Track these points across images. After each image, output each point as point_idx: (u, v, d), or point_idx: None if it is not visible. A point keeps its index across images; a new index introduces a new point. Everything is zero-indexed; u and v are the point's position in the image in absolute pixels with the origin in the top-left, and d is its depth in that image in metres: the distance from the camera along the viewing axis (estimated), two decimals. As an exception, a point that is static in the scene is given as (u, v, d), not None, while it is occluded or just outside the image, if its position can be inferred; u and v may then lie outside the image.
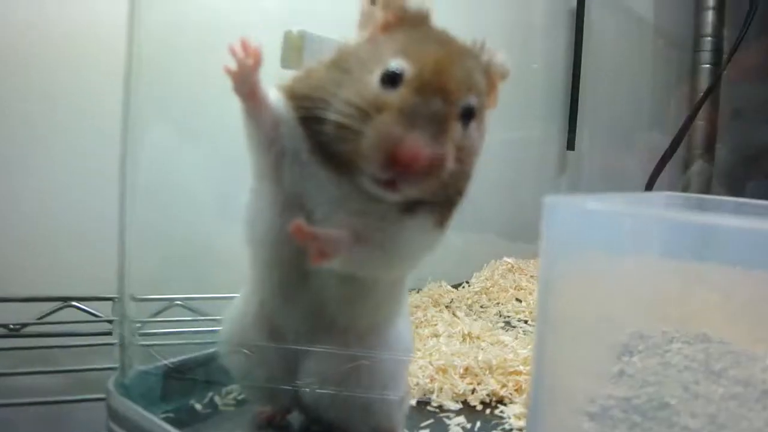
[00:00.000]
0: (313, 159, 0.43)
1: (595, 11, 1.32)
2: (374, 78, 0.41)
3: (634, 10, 1.39)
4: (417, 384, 0.65)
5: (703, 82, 1.43)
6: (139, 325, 0.67)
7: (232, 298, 0.54)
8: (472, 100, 0.42)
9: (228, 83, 0.44)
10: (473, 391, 0.66)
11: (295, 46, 0.56)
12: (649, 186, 1.30)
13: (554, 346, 0.39)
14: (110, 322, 0.83)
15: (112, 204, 0.61)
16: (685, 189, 1.46)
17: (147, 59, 0.58)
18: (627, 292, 0.38)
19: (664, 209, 0.59)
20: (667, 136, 1.34)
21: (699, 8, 1.42)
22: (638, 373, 0.36)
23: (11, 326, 0.81)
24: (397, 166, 0.38)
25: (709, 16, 1.40)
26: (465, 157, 0.42)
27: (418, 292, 0.97)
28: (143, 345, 0.64)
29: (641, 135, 1.48)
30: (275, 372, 0.50)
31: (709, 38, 1.41)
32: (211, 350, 0.56)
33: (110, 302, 0.85)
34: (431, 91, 0.40)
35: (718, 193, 1.44)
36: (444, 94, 0.40)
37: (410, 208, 0.43)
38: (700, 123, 1.43)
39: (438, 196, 0.43)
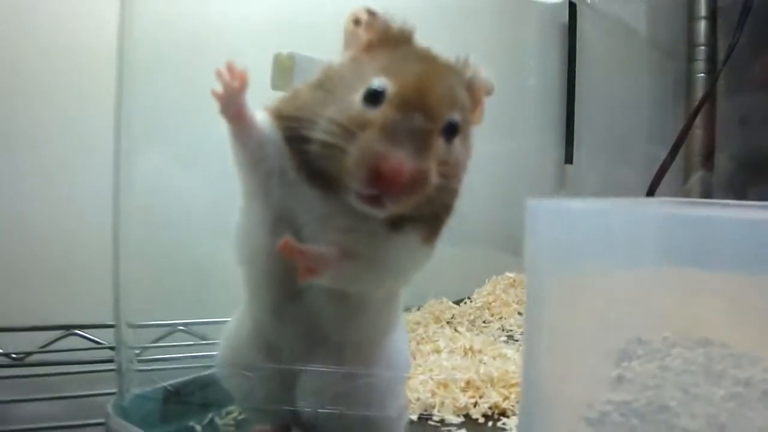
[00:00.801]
0: (300, 177, 0.44)
1: (587, 24, 1.34)
2: (357, 97, 0.42)
3: (626, 22, 1.40)
4: (418, 399, 0.65)
5: (699, 92, 1.43)
6: (138, 351, 0.68)
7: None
8: (455, 116, 0.43)
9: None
10: (475, 404, 0.66)
11: (285, 68, 0.57)
12: (650, 195, 1.30)
13: (548, 354, 0.39)
14: (112, 348, 0.84)
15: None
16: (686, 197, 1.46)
17: (136, 82, 0.59)
18: (624, 298, 0.38)
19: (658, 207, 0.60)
20: (665, 147, 1.34)
21: (691, 18, 1.43)
22: (637, 377, 0.36)
23: (14, 355, 0.81)
24: (380, 183, 0.39)
25: (702, 26, 1.41)
26: (450, 172, 0.43)
27: (419, 309, 0.97)
28: (141, 370, 0.64)
29: (639, 146, 1.48)
30: (272, 390, 0.50)
31: (703, 47, 1.42)
32: (210, 372, 0.56)
33: (113, 329, 0.87)
34: (412, 108, 0.41)
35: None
36: (425, 111, 0.41)
37: (397, 224, 0.44)
38: (697, 132, 1.44)
39: (424, 212, 0.43)
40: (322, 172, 0.42)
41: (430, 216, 0.44)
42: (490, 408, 0.65)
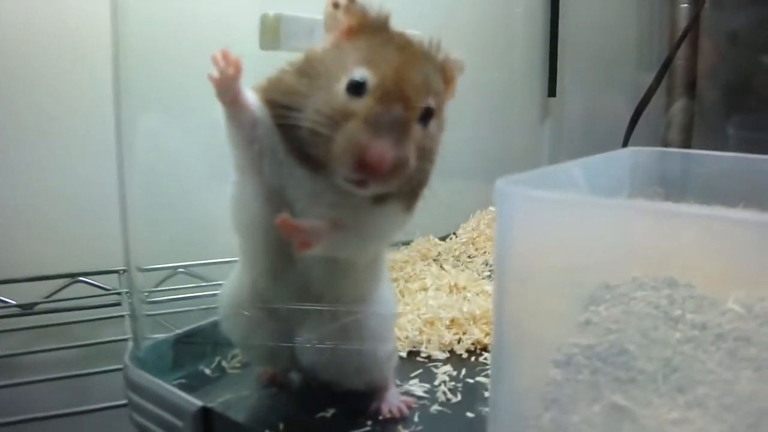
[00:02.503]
0: (289, 158, 0.48)
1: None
2: (341, 86, 0.45)
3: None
4: (407, 337, 0.70)
5: (681, 21, 1.42)
6: (146, 294, 0.72)
7: (230, 262, 0.59)
8: (430, 101, 0.47)
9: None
10: (459, 340, 0.71)
11: (271, 28, 0.60)
12: (630, 129, 1.32)
13: (519, 298, 0.41)
14: (118, 293, 0.88)
15: (110, 179, 0.64)
16: (667, 128, 1.48)
17: (131, 45, 0.61)
18: (594, 242, 0.39)
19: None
20: (650, 75, 1.35)
21: (675, -61, 1.41)
22: (603, 321, 0.38)
23: (22, 305, 0.85)
24: (365, 169, 0.43)
25: (685, -46, 1.39)
26: (426, 153, 0.47)
27: (407, 247, 1.01)
28: (151, 314, 0.68)
29: (624, 75, 1.49)
30: (272, 336, 0.55)
31: (686, -24, 1.40)
32: (215, 318, 0.61)
33: (116, 275, 0.91)
34: (392, 99, 0.44)
35: (701, 129, 1.47)
36: (404, 101, 0.45)
37: (380, 198, 0.48)
38: (680, 63, 1.44)
39: (404, 188, 0.47)
40: (311, 154, 0.46)
41: (409, 190, 0.49)
42: (472, 344, 0.70)
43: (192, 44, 0.64)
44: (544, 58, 1.38)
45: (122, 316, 0.81)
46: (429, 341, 0.70)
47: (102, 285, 0.91)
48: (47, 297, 0.88)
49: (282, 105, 0.47)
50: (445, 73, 0.50)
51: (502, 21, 1.24)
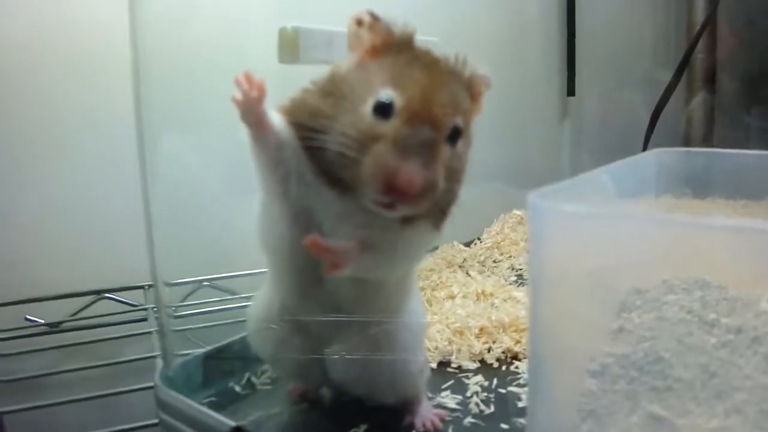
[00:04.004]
0: (317, 179, 0.47)
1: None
2: (367, 108, 0.45)
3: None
4: (437, 347, 0.69)
5: (698, 15, 1.41)
6: (173, 309, 0.72)
7: (255, 275, 0.59)
8: (458, 121, 0.46)
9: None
10: (489, 349, 0.70)
11: (290, 42, 0.59)
12: (651, 126, 1.31)
13: (551, 307, 0.40)
14: (145, 309, 0.88)
15: (133, 195, 0.64)
16: (688, 123, 1.47)
17: (152, 62, 0.61)
18: (623, 247, 0.39)
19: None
20: (668, 71, 1.34)
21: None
22: (636, 329, 0.38)
23: (48, 324, 0.85)
24: (394, 193, 0.42)
25: (701, -52, 1.37)
26: (454, 173, 0.47)
27: (432, 255, 1.00)
28: (179, 330, 0.68)
29: (642, 71, 1.47)
30: (302, 350, 0.55)
31: (702, -30, 1.39)
32: (244, 333, 0.61)
33: (141, 290, 0.91)
34: (420, 121, 0.44)
35: (721, 123, 1.45)
36: (432, 122, 0.44)
37: (409, 219, 0.47)
38: (699, 56, 1.43)
39: (433, 209, 0.47)
40: (338, 176, 0.46)
41: (437, 210, 0.48)
42: (503, 352, 0.69)
43: (213, 61, 0.64)
44: (562, 58, 1.38)
45: (149, 332, 0.81)
46: (459, 351, 0.69)
47: (128, 301, 0.91)
48: (73, 315, 0.89)
49: (307, 127, 0.46)
50: (472, 90, 0.49)
51: (518, 21, 1.25)
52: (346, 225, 0.48)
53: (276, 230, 0.51)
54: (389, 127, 0.44)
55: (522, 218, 1.17)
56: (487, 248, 1.06)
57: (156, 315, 0.69)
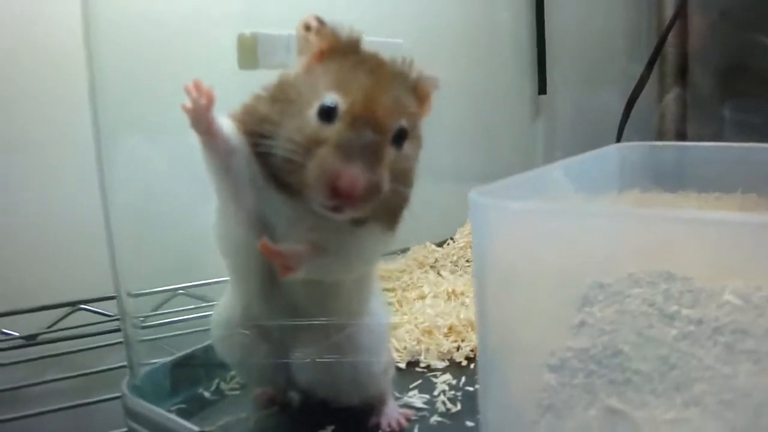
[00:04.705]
0: (267, 185, 0.48)
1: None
2: (312, 112, 0.46)
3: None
4: (405, 347, 0.70)
5: (669, 9, 1.42)
6: (141, 319, 0.72)
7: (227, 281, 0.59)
8: (403, 122, 0.47)
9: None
10: (458, 348, 0.71)
11: (248, 48, 0.59)
12: (623, 121, 1.32)
13: (502, 305, 0.41)
14: (119, 319, 0.88)
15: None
16: (661, 118, 1.47)
17: (106, 65, 0.61)
18: (585, 240, 0.39)
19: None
20: (640, 65, 1.35)
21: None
22: (597, 323, 0.38)
23: (23, 337, 0.85)
24: (338, 196, 0.43)
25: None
26: (401, 175, 0.47)
27: (403, 256, 1.01)
28: (150, 339, 0.69)
29: (614, 67, 1.48)
30: (267, 355, 0.56)
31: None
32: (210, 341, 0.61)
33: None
34: (363, 124, 0.45)
35: (695, 117, 1.46)
36: (375, 125, 0.45)
37: (360, 220, 0.48)
38: (670, 50, 1.43)
39: (382, 210, 0.48)
40: (285, 180, 0.47)
41: (388, 211, 0.49)
42: (471, 350, 0.70)
43: (173, 61, 0.64)
44: (532, 55, 1.37)
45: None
46: (428, 350, 0.70)
47: (104, 311, 0.91)
48: (49, 327, 0.88)
49: (256, 133, 0.47)
50: (419, 92, 0.50)
51: (488, 21, 1.24)
52: (298, 229, 0.49)
53: (231, 236, 0.52)
54: (332, 131, 0.45)
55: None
56: (460, 248, 1.06)
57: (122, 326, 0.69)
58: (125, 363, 0.73)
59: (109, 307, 0.90)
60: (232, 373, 0.66)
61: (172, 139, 0.63)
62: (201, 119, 0.48)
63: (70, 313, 0.89)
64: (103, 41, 0.61)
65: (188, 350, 0.66)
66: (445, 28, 1.11)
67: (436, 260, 1.01)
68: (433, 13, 1.07)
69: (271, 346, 0.55)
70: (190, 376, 0.65)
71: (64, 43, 0.86)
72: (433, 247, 1.06)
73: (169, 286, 0.84)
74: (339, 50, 0.49)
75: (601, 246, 0.39)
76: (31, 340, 0.86)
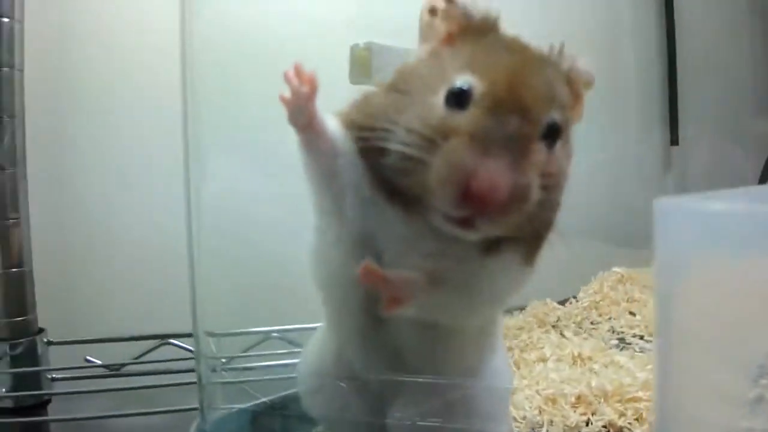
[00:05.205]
0: (377, 195, 0.39)
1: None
2: (439, 99, 0.37)
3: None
4: (524, 417, 0.60)
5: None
6: (224, 360, 0.66)
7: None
8: (556, 116, 0.37)
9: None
10: (587, 422, 0.60)
11: (362, 60, 0.54)
12: (764, 176, 1.21)
13: (677, 369, 0.34)
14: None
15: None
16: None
17: (203, 84, 0.56)
18: (764, 301, 0.31)
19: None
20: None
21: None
22: None
23: (111, 366, 0.83)
24: (472, 203, 0.34)
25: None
26: (552, 183, 0.37)
27: (521, 312, 0.92)
28: (216, 382, 0.63)
29: (751, 123, 1.38)
30: (362, 412, 0.47)
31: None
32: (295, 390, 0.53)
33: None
34: (507, 109, 0.35)
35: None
36: (522, 111, 0.35)
37: (493, 246, 0.38)
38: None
39: (523, 231, 0.37)
40: (402, 188, 0.38)
41: (530, 235, 0.39)
42: (604, 426, 0.59)
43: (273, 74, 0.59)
44: (664, 104, 1.30)
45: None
46: (551, 423, 0.60)
47: (191, 348, 0.86)
48: (136, 358, 0.85)
49: (366, 127, 0.39)
50: (572, 86, 0.41)
51: (615, 66, 1.18)
52: (412, 253, 0.39)
53: (328, 260, 0.43)
54: (465, 118, 0.35)
55: (622, 276, 1.07)
56: (584, 308, 0.96)
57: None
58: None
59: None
60: (319, 429, 0.57)
61: (265, 170, 0.58)
62: (301, 111, 0.40)
63: (157, 347, 0.86)
64: (200, 41, 0.56)
65: (269, 398, 0.58)
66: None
67: (558, 319, 0.91)
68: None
69: (366, 400, 0.46)
70: (270, 426, 0.57)
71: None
72: (555, 304, 0.96)
73: (256, 327, 0.78)
74: (472, 31, 0.40)
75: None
76: (114, 369, 0.82)
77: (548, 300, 0.96)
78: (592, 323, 0.92)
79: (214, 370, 0.61)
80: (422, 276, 0.38)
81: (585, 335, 0.85)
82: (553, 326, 0.88)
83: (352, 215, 0.41)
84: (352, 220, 0.41)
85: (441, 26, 0.41)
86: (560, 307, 0.95)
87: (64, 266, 0.87)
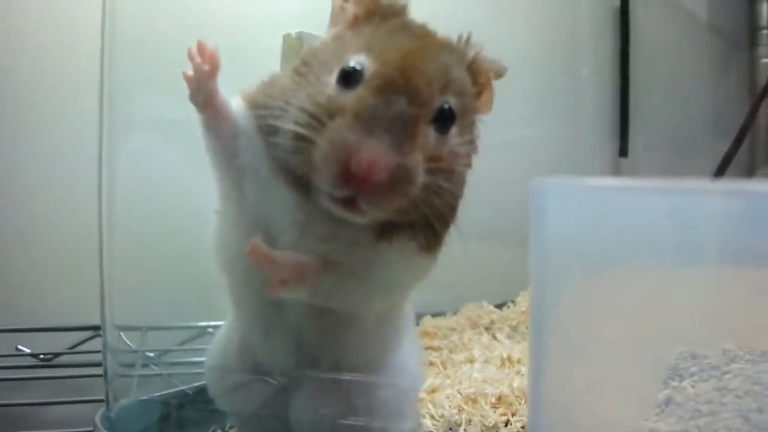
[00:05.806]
0: (275, 176, 0.39)
1: (641, 9, 1.27)
2: (332, 79, 0.37)
3: (682, 5, 1.33)
4: (442, 416, 0.60)
5: (762, 78, 1.34)
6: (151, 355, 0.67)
7: None
8: (452, 101, 0.38)
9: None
10: (507, 423, 0.60)
11: (294, 49, 0.54)
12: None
13: (570, 369, 0.34)
14: (136, 352, 0.83)
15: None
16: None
17: (121, 63, 0.56)
18: (674, 302, 0.33)
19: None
20: (728, 139, 1.27)
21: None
22: (689, 401, 0.32)
23: (42, 356, 0.82)
24: (352, 181, 0.34)
25: (765, 8, 1.32)
26: (444, 168, 0.37)
27: (455, 314, 0.92)
28: (125, 375, 0.62)
29: (700, 138, 1.41)
30: (264, 403, 0.47)
31: (766, 31, 1.33)
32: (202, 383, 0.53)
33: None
34: (394, 90, 0.35)
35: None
36: (411, 93, 0.36)
37: (386, 231, 0.38)
38: (762, 124, 1.35)
39: (415, 217, 0.38)
40: (295, 169, 0.38)
41: (424, 221, 0.39)
42: (523, 427, 0.60)
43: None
44: (615, 116, 1.32)
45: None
46: (470, 422, 0.60)
47: (126, 341, 0.85)
48: (70, 348, 0.85)
49: (266, 106, 0.39)
50: (477, 76, 0.41)
51: (569, 77, 1.19)
52: (307, 236, 0.39)
53: (229, 243, 0.43)
54: (353, 97, 0.36)
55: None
56: (522, 312, 0.96)
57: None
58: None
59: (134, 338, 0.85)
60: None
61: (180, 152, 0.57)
62: (201, 89, 0.40)
63: (92, 337, 0.86)
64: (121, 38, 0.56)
65: (174, 389, 0.59)
66: (525, 84, 1.05)
67: (492, 322, 0.91)
68: (512, 64, 1.02)
69: (269, 390, 0.46)
70: (178, 418, 0.56)
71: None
72: (491, 307, 0.96)
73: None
74: (378, 15, 0.41)
75: (693, 307, 0.33)
76: (47, 361, 0.82)
77: (484, 303, 0.96)
78: (528, 328, 0.93)
79: (145, 365, 0.63)
80: (315, 259, 0.39)
81: (518, 339, 0.86)
82: (486, 329, 0.88)
83: (251, 197, 0.41)
84: (251, 202, 0.41)
85: (350, 10, 0.42)
86: (496, 310, 0.95)
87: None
